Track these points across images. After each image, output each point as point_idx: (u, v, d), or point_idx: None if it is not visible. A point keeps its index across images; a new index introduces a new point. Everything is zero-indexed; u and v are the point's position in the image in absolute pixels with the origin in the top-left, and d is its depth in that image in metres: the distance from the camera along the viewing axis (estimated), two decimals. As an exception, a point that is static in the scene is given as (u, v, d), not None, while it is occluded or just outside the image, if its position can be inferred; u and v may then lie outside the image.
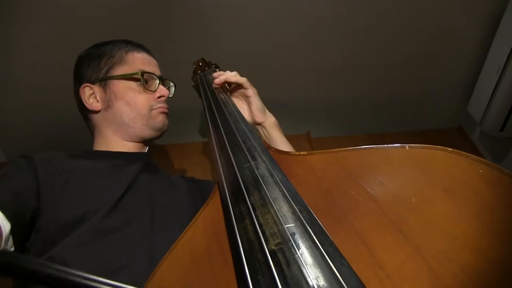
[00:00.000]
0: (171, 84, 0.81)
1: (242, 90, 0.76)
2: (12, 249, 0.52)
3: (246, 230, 0.37)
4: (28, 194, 0.54)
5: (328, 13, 1.15)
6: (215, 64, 0.93)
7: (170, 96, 0.78)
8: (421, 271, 0.29)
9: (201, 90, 0.81)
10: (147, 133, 0.72)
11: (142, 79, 0.71)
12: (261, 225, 0.37)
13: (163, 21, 1.12)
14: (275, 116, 0.77)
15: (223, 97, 0.73)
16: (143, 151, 0.75)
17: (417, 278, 0.29)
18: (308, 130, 1.49)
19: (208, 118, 0.69)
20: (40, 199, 0.55)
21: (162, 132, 0.75)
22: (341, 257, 0.32)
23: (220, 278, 0.37)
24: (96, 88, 0.71)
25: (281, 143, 0.73)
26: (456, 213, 0.32)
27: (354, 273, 0.30)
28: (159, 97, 0.73)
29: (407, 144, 0.40)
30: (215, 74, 0.78)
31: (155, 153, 1.28)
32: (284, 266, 0.31)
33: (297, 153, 0.50)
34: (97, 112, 0.71)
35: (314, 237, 0.33)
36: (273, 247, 0.34)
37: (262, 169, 0.46)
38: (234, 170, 0.48)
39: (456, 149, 0.37)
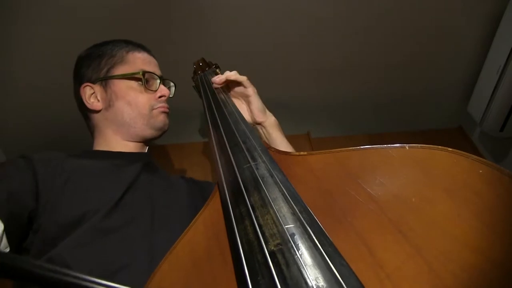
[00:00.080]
0: (171, 84, 0.81)
1: (242, 90, 0.76)
2: (7, 249, 0.51)
3: (246, 231, 0.37)
4: (25, 194, 0.54)
5: (328, 13, 1.15)
6: (216, 64, 0.93)
7: (170, 96, 0.78)
8: (421, 271, 0.29)
9: (201, 90, 0.81)
10: (148, 132, 0.72)
11: (143, 78, 0.71)
12: (261, 226, 0.37)
13: (163, 21, 1.12)
14: (275, 116, 0.77)
15: (223, 97, 0.73)
16: (143, 151, 0.75)
17: (417, 278, 0.29)
18: (308, 130, 1.49)
19: (208, 118, 0.69)
20: (39, 199, 0.55)
21: (163, 132, 0.75)
22: (340, 257, 0.32)
23: (220, 279, 0.37)
24: (97, 88, 0.71)
25: (281, 143, 0.73)
26: (456, 213, 0.32)
27: (354, 273, 0.30)
28: (160, 96, 0.73)
29: (407, 144, 0.40)
30: (214, 78, 0.78)
31: (155, 153, 1.28)
32: (284, 267, 0.31)
33: (297, 153, 0.50)
34: (97, 111, 0.71)
35: (314, 238, 0.33)
36: (272, 248, 0.34)
37: (262, 169, 0.46)
38: (234, 170, 0.48)
39: (456, 149, 0.37)
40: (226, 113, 0.65)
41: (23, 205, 0.53)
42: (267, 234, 0.35)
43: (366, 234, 0.34)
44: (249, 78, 0.75)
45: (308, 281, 0.29)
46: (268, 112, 0.76)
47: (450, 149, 0.37)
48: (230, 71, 0.77)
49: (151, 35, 1.03)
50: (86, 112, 0.74)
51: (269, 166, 0.46)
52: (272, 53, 1.24)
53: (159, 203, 0.65)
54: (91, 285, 0.20)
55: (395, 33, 1.22)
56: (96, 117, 0.72)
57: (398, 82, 1.38)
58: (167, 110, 0.75)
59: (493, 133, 1.25)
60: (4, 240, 0.50)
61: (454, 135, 1.50)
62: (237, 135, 0.57)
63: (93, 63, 0.72)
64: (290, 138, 0.76)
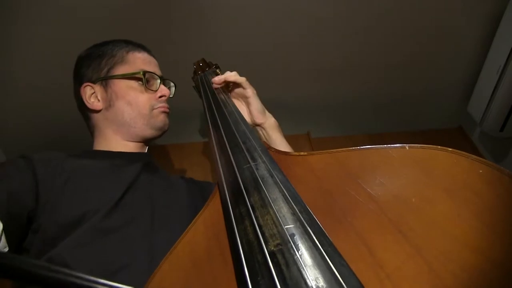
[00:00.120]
0: (172, 84, 0.81)
1: (241, 91, 0.76)
2: (6, 249, 0.51)
3: (245, 231, 0.37)
4: (25, 194, 0.54)
5: (328, 13, 1.15)
6: (216, 64, 0.93)
7: (170, 96, 0.78)
8: (421, 271, 0.29)
9: (201, 90, 0.81)
10: (148, 132, 0.72)
11: (144, 78, 0.71)
12: (261, 226, 0.37)
13: (163, 21, 1.12)
14: (275, 116, 0.77)
15: (223, 97, 0.74)
16: (143, 151, 0.75)
17: (417, 278, 0.29)
18: (308, 130, 1.49)
19: (208, 119, 0.69)
20: (39, 199, 0.55)
21: (163, 132, 0.75)
22: (340, 257, 0.32)
23: (220, 279, 0.37)
24: (97, 88, 0.71)
25: (281, 144, 0.73)
26: (456, 213, 0.32)
27: (354, 273, 0.30)
28: (160, 96, 0.73)
29: (407, 144, 0.40)
30: (213, 78, 0.78)
31: (155, 153, 1.28)
32: (284, 267, 0.31)
33: (297, 153, 0.50)
34: (98, 111, 0.71)
35: (314, 238, 0.33)
36: (272, 248, 0.34)
37: (262, 169, 0.46)
38: (234, 171, 0.48)
39: (456, 149, 0.37)
40: (226, 114, 0.65)
41: (23, 205, 0.53)
42: (267, 234, 0.35)
43: (366, 234, 0.34)
44: (248, 79, 0.75)
45: (308, 281, 0.29)
46: (267, 113, 0.76)
47: (450, 149, 0.37)
48: (231, 71, 0.77)
49: (151, 35, 1.03)
50: (86, 112, 0.74)
51: (269, 167, 0.46)
52: (272, 53, 1.24)
53: (159, 203, 0.65)
54: (92, 285, 0.20)
55: (395, 33, 1.22)
56: (96, 117, 0.72)
57: (398, 82, 1.38)
58: (167, 110, 0.75)
59: (493, 133, 1.25)
60: (3, 240, 0.50)
61: (454, 135, 1.50)
62: (237, 135, 0.57)
63: (94, 63, 0.72)
64: (290, 138, 0.76)
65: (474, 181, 0.33)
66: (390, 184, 0.37)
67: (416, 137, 1.49)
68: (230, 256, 0.38)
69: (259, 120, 0.75)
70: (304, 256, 0.32)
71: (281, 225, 0.36)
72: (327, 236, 0.34)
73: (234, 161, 0.50)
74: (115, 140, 0.71)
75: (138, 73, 0.71)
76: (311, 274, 0.30)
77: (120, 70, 0.71)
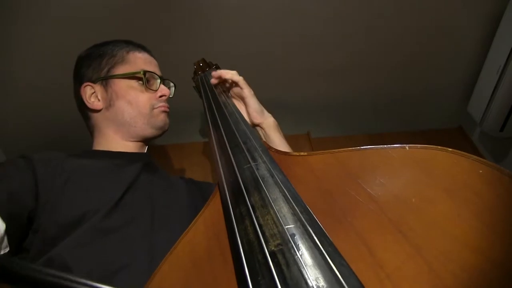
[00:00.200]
0: (171, 84, 0.81)
1: (238, 91, 0.77)
2: (7, 249, 0.51)
3: (246, 231, 0.37)
4: (25, 194, 0.54)
5: (328, 13, 1.15)
6: (216, 64, 0.93)
7: (170, 96, 0.78)
8: (421, 271, 0.29)
9: (202, 90, 0.82)
10: (149, 132, 0.72)
11: (144, 78, 0.71)
12: (261, 226, 0.37)
13: (163, 21, 1.12)
14: (275, 116, 0.77)
15: (223, 97, 0.74)
16: (143, 151, 0.75)
17: (417, 278, 0.29)
18: (308, 130, 1.49)
19: (209, 119, 0.69)
20: (39, 199, 0.55)
21: (163, 131, 0.75)
22: (340, 257, 0.32)
23: (220, 279, 0.37)
24: (97, 87, 0.71)
25: (280, 144, 0.72)
26: (456, 213, 0.32)
27: (354, 273, 0.30)
28: (160, 96, 0.74)
29: (407, 145, 0.40)
30: (213, 73, 0.79)
31: (155, 153, 1.28)
32: (284, 267, 0.31)
33: (297, 153, 0.50)
34: (98, 111, 0.71)
35: (314, 238, 0.33)
36: (273, 248, 0.34)
37: (263, 169, 0.46)
38: (235, 171, 0.48)
39: (456, 149, 0.37)
40: (227, 114, 0.65)
41: (23, 205, 0.53)
42: (267, 234, 0.35)
43: (366, 234, 0.34)
44: (245, 79, 0.76)
45: (309, 281, 0.29)
46: (266, 113, 0.77)
47: (450, 149, 0.37)
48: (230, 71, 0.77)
49: (151, 35, 1.02)
50: (86, 112, 0.74)
51: (270, 167, 0.46)
52: (272, 53, 1.24)
53: (159, 203, 0.65)
54: None
55: (395, 33, 1.22)
56: (96, 116, 0.72)
57: (398, 82, 1.38)
58: (167, 109, 0.75)
59: (493, 133, 1.25)
60: (5, 240, 0.50)
61: (454, 135, 1.50)
62: (238, 135, 0.57)
63: (94, 63, 0.72)
64: (290, 138, 0.76)
65: (474, 181, 0.34)
66: (390, 184, 0.38)
67: (416, 137, 1.49)
68: (230, 256, 0.38)
69: (257, 120, 0.75)
70: (305, 256, 0.32)
71: (281, 225, 0.36)
72: (327, 236, 0.34)
73: (235, 161, 0.50)
74: (115, 140, 0.71)
75: (139, 72, 0.71)
76: (312, 274, 0.30)
77: (121, 69, 0.71)
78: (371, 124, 1.51)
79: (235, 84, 0.77)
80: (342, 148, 0.45)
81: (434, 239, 0.31)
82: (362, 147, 0.43)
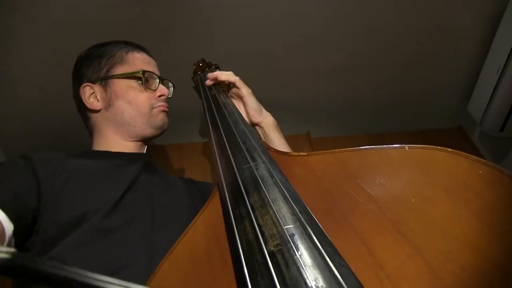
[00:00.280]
0: (170, 84, 0.81)
1: (236, 90, 0.77)
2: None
3: (245, 231, 0.37)
4: (28, 194, 0.54)
5: (328, 13, 1.15)
6: (216, 64, 0.93)
7: (169, 96, 0.78)
8: (421, 271, 0.29)
9: (201, 90, 0.82)
10: (148, 131, 0.72)
11: (143, 77, 0.71)
12: (260, 226, 0.37)
13: (163, 21, 1.12)
14: (275, 116, 0.77)
15: (223, 98, 0.74)
16: (142, 151, 0.75)
17: (417, 278, 0.29)
18: (308, 130, 1.49)
19: (208, 119, 0.69)
20: (40, 199, 0.55)
21: (163, 131, 0.75)
22: (340, 257, 0.32)
23: (220, 279, 0.37)
24: (97, 88, 0.71)
25: (279, 144, 0.72)
26: (456, 213, 0.32)
27: (353, 273, 0.30)
28: (159, 96, 0.74)
29: (407, 145, 0.40)
30: (208, 75, 0.79)
31: (155, 153, 1.28)
32: (283, 268, 0.31)
33: (297, 153, 0.50)
34: (97, 111, 0.71)
35: (314, 238, 0.33)
36: (272, 249, 0.34)
37: (262, 170, 0.46)
38: (234, 171, 0.48)
39: (456, 149, 0.37)
40: (226, 114, 0.65)
41: (28, 205, 0.53)
42: (266, 234, 0.35)
43: (365, 234, 0.34)
44: (243, 79, 0.76)
45: (308, 281, 0.29)
46: (265, 113, 0.77)
47: (450, 149, 0.37)
48: (228, 71, 0.77)
49: (151, 35, 1.03)
50: (85, 112, 0.74)
51: (269, 167, 0.46)
52: (272, 53, 1.24)
53: (159, 203, 0.65)
54: (109, 286, 0.20)
55: (395, 33, 1.22)
56: (95, 117, 0.72)
57: (398, 82, 1.38)
58: (166, 109, 0.75)
59: (493, 133, 1.25)
60: (12, 241, 0.50)
61: (454, 135, 1.50)
62: (237, 135, 0.57)
63: (93, 63, 0.72)
64: (290, 138, 0.76)
65: (474, 181, 0.33)
66: (389, 184, 0.37)
67: (416, 137, 1.49)
68: (230, 256, 0.38)
69: (255, 119, 0.75)
70: (304, 256, 0.32)
71: (280, 225, 0.36)
72: (326, 236, 0.34)
73: (234, 161, 0.50)
74: (114, 140, 0.71)
75: (138, 72, 0.71)
76: (311, 274, 0.30)
77: (120, 69, 0.71)
78: (371, 124, 1.51)
79: (232, 84, 0.77)
80: (342, 148, 0.45)
81: (434, 239, 0.31)
82: (362, 147, 0.43)
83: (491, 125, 1.22)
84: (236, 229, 0.39)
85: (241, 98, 0.77)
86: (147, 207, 0.63)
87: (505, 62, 1.11)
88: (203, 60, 0.94)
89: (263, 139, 0.75)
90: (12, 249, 0.19)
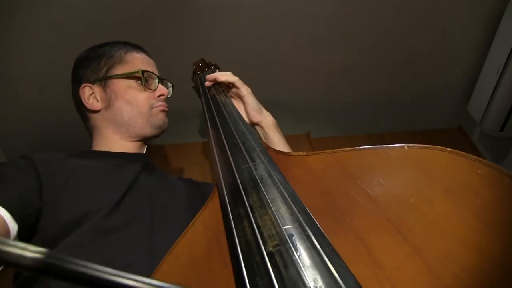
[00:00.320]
0: (169, 84, 0.81)
1: (236, 90, 0.77)
2: None
3: (244, 232, 0.37)
4: (31, 194, 0.54)
5: (328, 13, 1.15)
6: (215, 64, 0.93)
7: (168, 96, 0.78)
8: (421, 271, 0.29)
9: (201, 90, 0.82)
10: (148, 131, 0.72)
11: (143, 77, 0.71)
12: (259, 226, 0.37)
13: (163, 21, 1.12)
14: (275, 116, 0.77)
15: (222, 98, 0.74)
16: (142, 151, 0.75)
17: (416, 278, 0.29)
18: (308, 130, 1.49)
19: (208, 119, 0.69)
20: (43, 199, 0.55)
21: (162, 131, 0.75)
22: (339, 258, 0.31)
23: (219, 279, 0.37)
24: (96, 88, 0.71)
25: (279, 143, 0.72)
26: (456, 213, 0.32)
27: (352, 274, 0.30)
28: (159, 95, 0.74)
29: (406, 145, 0.40)
30: (207, 77, 0.79)
31: (154, 153, 1.28)
32: (282, 268, 0.31)
33: (296, 153, 0.50)
34: (97, 112, 0.71)
35: (312, 238, 0.33)
36: (271, 249, 0.33)
37: (261, 170, 0.46)
38: (233, 171, 0.48)
39: (456, 149, 0.37)
40: (225, 114, 0.65)
41: (32, 205, 0.54)
42: (265, 235, 0.35)
43: (364, 235, 0.34)
44: (242, 79, 0.76)
45: (307, 282, 0.29)
46: (265, 112, 0.77)
47: (449, 149, 0.37)
48: (230, 71, 0.77)
49: (150, 35, 1.03)
50: (85, 113, 0.74)
51: (268, 167, 0.46)
52: (272, 53, 1.24)
53: (159, 203, 0.65)
54: (135, 283, 0.20)
55: (395, 33, 1.22)
56: (95, 117, 0.72)
57: (398, 82, 1.38)
58: (166, 108, 0.75)
59: (493, 133, 1.25)
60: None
61: (454, 135, 1.50)
62: (236, 135, 0.56)
63: (92, 64, 0.72)
64: (290, 138, 0.76)
65: (473, 181, 0.33)
66: (389, 184, 0.37)
67: (416, 137, 1.48)
68: (229, 257, 0.38)
69: (255, 118, 0.75)
70: (303, 256, 0.32)
71: (279, 226, 0.36)
72: (325, 236, 0.34)
73: (233, 161, 0.50)
74: (114, 140, 0.71)
75: (137, 72, 0.71)
76: (310, 274, 0.30)
77: (119, 70, 0.71)
78: (371, 124, 1.51)
79: (232, 84, 0.77)
80: (342, 148, 0.45)
81: (433, 239, 0.31)
82: (361, 147, 0.43)
83: (491, 125, 1.22)
84: (235, 230, 0.39)
85: (240, 97, 0.77)
86: (147, 207, 0.63)
87: (505, 62, 1.11)
88: (202, 60, 0.94)
89: (263, 139, 0.75)
90: (43, 249, 0.19)
